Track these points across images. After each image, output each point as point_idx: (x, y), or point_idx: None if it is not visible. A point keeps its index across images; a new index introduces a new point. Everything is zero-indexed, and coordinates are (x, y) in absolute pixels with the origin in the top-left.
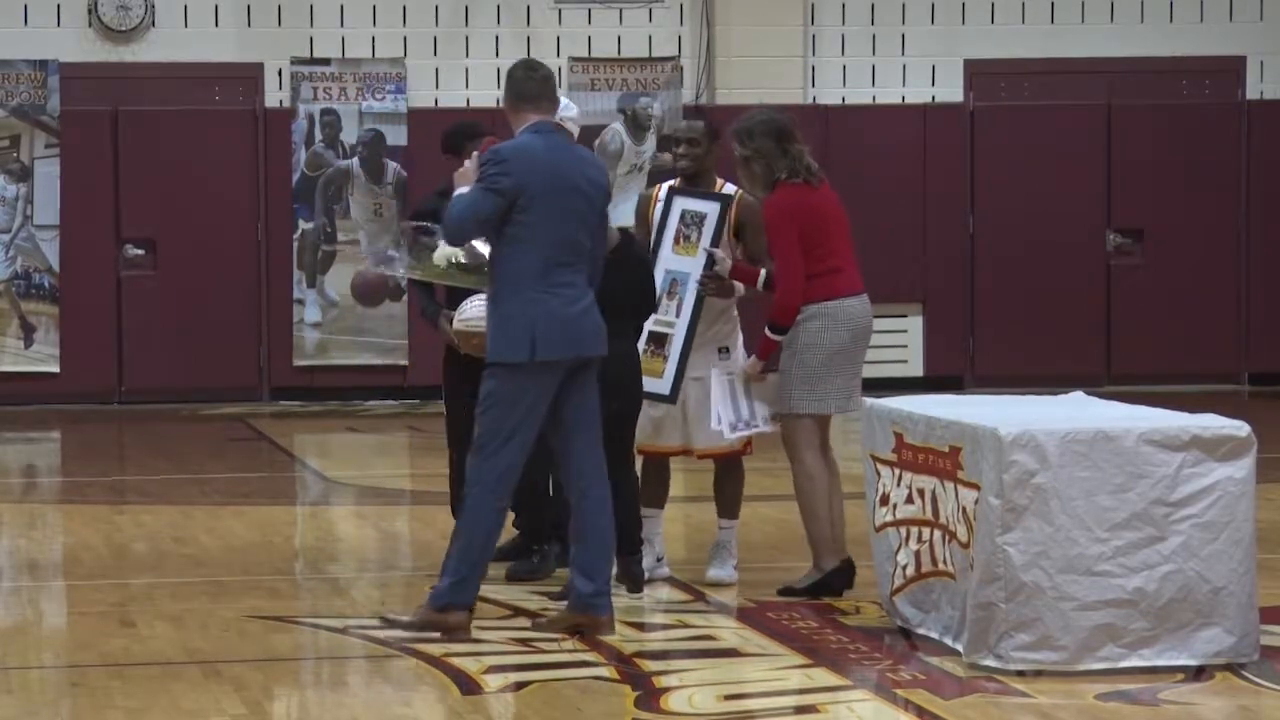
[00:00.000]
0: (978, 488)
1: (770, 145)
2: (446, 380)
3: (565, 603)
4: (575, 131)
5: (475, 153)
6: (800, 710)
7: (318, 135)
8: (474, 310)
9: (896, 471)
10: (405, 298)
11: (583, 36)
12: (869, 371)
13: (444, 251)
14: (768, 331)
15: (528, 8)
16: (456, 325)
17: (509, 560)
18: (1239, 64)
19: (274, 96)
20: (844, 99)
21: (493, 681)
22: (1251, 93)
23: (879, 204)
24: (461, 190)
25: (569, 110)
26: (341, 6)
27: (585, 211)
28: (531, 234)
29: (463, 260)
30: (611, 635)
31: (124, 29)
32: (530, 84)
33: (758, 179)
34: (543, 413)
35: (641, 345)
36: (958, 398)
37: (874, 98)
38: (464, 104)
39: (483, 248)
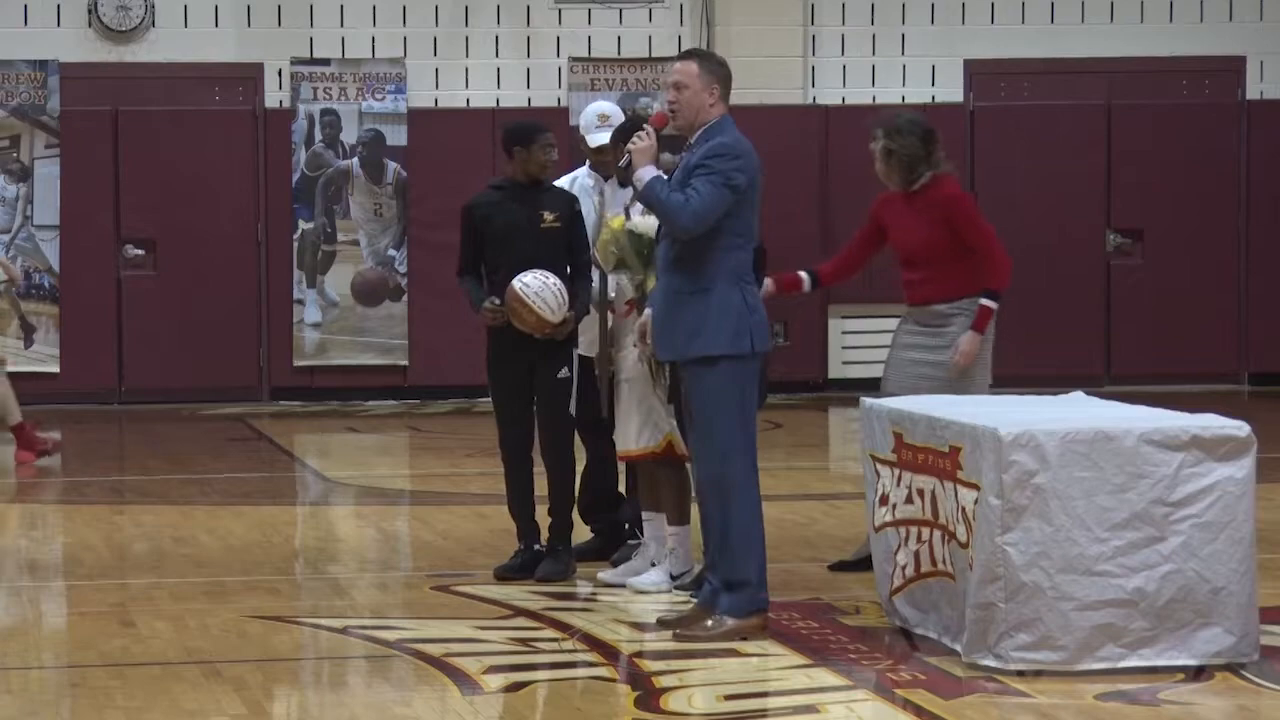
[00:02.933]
0: (978, 488)
1: (916, 145)
2: (496, 383)
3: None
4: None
5: (643, 128)
6: (800, 710)
7: (318, 135)
8: (535, 279)
9: (896, 471)
10: (405, 298)
11: (583, 36)
12: (870, 371)
13: (615, 225)
14: (988, 301)
15: (528, 8)
16: (514, 285)
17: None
18: (1239, 64)
19: (274, 96)
20: (844, 99)
21: (493, 681)
22: (1251, 93)
23: None
24: (647, 169)
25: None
26: (341, 6)
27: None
28: (745, 228)
29: (639, 231)
30: (761, 635)
31: (124, 29)
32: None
33: (894, 173)
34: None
35: None
36: (958, 398)
37: (874, 98)
38: (464, 104)
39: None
